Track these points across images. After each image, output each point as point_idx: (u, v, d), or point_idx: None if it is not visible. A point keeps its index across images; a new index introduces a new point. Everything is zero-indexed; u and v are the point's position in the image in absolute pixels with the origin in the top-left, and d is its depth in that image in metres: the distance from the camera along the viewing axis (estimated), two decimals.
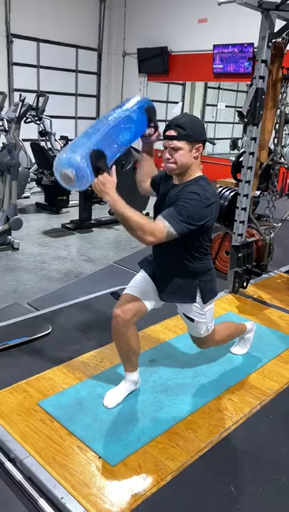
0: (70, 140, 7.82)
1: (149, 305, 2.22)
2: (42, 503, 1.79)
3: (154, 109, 2.13)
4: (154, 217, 2.06)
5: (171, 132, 1.95)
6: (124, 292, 2.25)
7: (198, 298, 2.20)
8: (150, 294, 2.24)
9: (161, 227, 1.90)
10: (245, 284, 3.82)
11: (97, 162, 1.82)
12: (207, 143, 2.10)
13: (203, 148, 2.05)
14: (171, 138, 1.95)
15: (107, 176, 1.85)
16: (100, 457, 1.98)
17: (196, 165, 2.03)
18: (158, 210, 2.12)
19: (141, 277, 2.29)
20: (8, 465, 1.96)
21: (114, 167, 1.92)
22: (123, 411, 2.29)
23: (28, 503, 1.82)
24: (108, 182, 1.85)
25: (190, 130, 1.94)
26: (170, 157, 1.98)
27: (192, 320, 2.29)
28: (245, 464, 2.04)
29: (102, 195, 1.86)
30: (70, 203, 7.05)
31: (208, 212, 1.97)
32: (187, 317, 2.30)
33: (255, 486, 1.92)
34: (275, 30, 3.25)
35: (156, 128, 2.16)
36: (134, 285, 2.25)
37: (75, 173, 1.80)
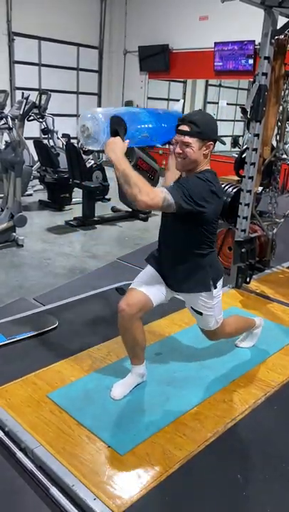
0: (72, 138, 7.88)
1: (154, 300, 2.25)
2: (54, 491, 1.84)
3: None
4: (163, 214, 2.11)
5: (185, 127, 1.98)
6: (130, 287, 2.29)
7: (210, 285, 2.23)
8: (156, 289, 2.27)
9: (159, 191, 1.91)
10: (248, 279, 3.86)
11: (116, 125, 1.98)
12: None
13: (214, 147, 2.06)
14: (184, 133, 1.98)
15: (120, 140, 1.97)
16: (108, 446, 2.03)
17: (205, 162, 2.07)
18: None
19: (147, 272, 2.32)
20: (20, 455, 2.01)
21: (128, 140, 2.01)
22: (130, 402, 2.33)
23: (39, 491, 1.86)
24: (119, 144, 1.97)
25: (203, 127, 1.97)
26: (181, 152, 2.01)
27: (200, 313, 2.33)
28: (251, 453, 2.09)
29: (110, 153, 1.95)
30: (73, 200, 7.09)
31: (208, 196, 1.96)
32: (195, 311, 2.34)
33: (261, 474, 1.96)
34: (278, 27, 3.28)
35: None
36: (140, 280, 2.29)
37: (93, 127, 1.99)
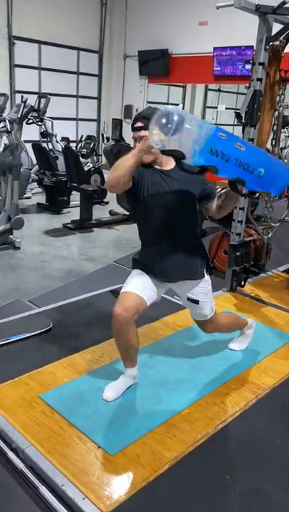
0: (71, 141, 7.91)
1: (148, 300, 2.28)
2: (43, 490, 1.85)
3: None
4: (145, 207, 2.22)
5: (139, 124, 2.12)
6: (122, 291, 2.29)
7: (204, 272, 2.34)
8: (148, 289, 2.29)
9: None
10: (243, 283, 3.89)
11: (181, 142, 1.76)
12: None
13: None
14: (139, 128, 2.12)
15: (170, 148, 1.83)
16: (99, 447, 2.04)
17: None
18: (160, 195, 2.20)
19: (134, 275, 2.34)
20: (11, 455, 2.02)
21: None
22: (122, 404, 2.35)
23: (29, 490, 1.88)
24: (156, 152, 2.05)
25: None
26: None
27: (197, 302, 2.37)
28: (241, 454, 2.11)
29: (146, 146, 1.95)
30: (71, 203, 7.12)
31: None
32: (192, 300, 2.37)
33: (250, 476, 1.98)
34: (273, 34, 3.32)
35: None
36: (131, 283, 2.30)
37: (169, 123, 1.74)
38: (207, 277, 2.38)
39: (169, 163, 2.19)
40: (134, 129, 2.15)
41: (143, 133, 2.08)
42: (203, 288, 2.36)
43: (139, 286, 2.27)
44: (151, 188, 2.20)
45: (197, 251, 2.33)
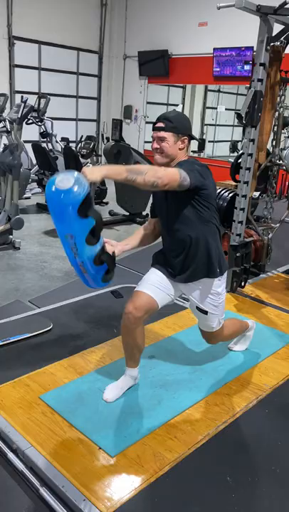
0: (71, 141, 7.90)
1: (160, 302, 2.27)
2: (43, 491, 1.84)
3: None
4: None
5: (160, 124, 2.12)
6: (136, 289, 2.29)
7: (218, 271, 2.27)
8: (162, 290, 2.28)
9: (172, 168, 2.03)
10: (243, 284, 3.88)
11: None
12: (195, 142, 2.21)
13: (189, 143, 2.19)
14: (159, 129, 2.12)
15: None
16: (99, 448, 2.04)
17: (183, 156, 2.16)
18: (159, 208, 2.22)
19: (153, 274, 2.34)
20: (11, 455, 2.01)
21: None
22: (123, 405, 2.34)
23: (30, 491, 1.87)
24: (94, 167, 1.93)
25: (177, 123, 2.12)
26: (158, 146, 2.13)
27: (206, 313, 2.34)
28: (242, 455, 2.10)
29: (95, 174, 1.77)
30: None
31: (203, 172, 2.06)
32: (201, 310, 2.35)
33: (251, 477, 1.97)
34: (274, 34, 3.31)
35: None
36: (146, 282, 2.30)
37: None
38: (221, 290, 2.32)
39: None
40: (155, 129, 2.14)
41: (162, 134, 2.10)
42: (214, 300, 2.32)
43: (153, 287, 2.26)
44: (158, 197, 2.27)
45: (204, 250, 2.21)
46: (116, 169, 1.88)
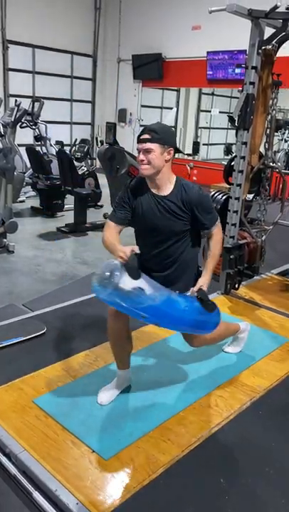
0: (65, 145, 7.89)
1: None
2: (36, 495, 1.84)
3: None
4: (139, 231, 2.27)
5: (146, 135, 2.09)
6: None
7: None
8: None
9: (218, 229, 2.28)
10: (237, 286, 3.89)
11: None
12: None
13: (174, 154, 2.16)
14: (145, 140, 2.09)
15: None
16: (93, 451, 2.03)
17: (168, 168, 2.15)
18: (150, 221, 2.20)
19: None
20: (4, 460, 2.01)
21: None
22: (116, 407, 2.34)
23: (22, 495, 1.87)
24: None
25: (162, 134, 2.10)
26: (144, 158, 2.10)
27: None
28: (235, 457, 2.10)
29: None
30: (65, 206, 7.11)
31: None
32: None
33: (244, 478, 1.97)
34: (265, 38, 3.34)
35: None
36: None
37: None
38: None
39: (166, 189, 2.17)
40: (140, 141, 2.10)
41: (148, 145, 2.07)
42: None
43: None
44: (144, 211, 2.21)
45: (190, 265, 2.30)
46: (210, 272, 2.26)
